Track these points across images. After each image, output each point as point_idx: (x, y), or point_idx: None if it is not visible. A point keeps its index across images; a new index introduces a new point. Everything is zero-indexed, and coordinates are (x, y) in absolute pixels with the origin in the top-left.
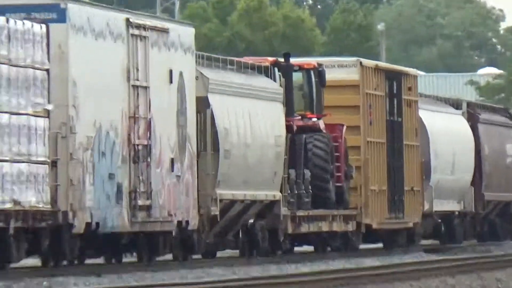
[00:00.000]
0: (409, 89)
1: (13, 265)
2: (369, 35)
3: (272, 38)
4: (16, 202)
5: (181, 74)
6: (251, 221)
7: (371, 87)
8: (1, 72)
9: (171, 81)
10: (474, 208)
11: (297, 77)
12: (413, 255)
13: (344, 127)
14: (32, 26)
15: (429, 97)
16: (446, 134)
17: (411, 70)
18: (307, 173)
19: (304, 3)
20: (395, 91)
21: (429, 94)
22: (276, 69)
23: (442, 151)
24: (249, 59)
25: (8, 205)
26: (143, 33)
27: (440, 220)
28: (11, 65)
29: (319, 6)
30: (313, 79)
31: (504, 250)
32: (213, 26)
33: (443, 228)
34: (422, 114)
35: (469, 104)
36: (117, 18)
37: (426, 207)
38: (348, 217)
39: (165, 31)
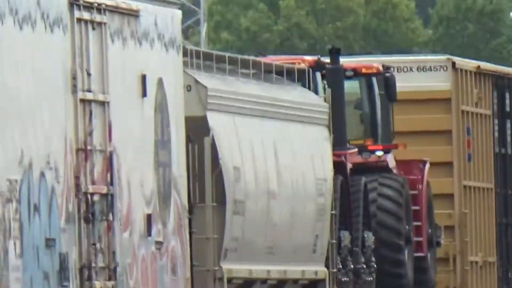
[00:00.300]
0: None
1: None
2: (498, 27)
3: (348, 32)
4: None
5: (160, 82)
6: None
7: (471, 102)
8: None
9: (144, 94)
10: None
11: (353, 87)
12: None
13: (427, 165)
14: None
15: None
16: None
17: None
18: (369, 236)
19: None
20: (509, 108)
21: None
22: (318, 75)
23: None
24: (277, 59)
25: None
26: (98, 17)
27: None
28: None
29: None
30: (377, 91)
31: None
32: (258, 16)
33: None
34: None
35: None
36: None
37: None
38: None
39: (133, 14)
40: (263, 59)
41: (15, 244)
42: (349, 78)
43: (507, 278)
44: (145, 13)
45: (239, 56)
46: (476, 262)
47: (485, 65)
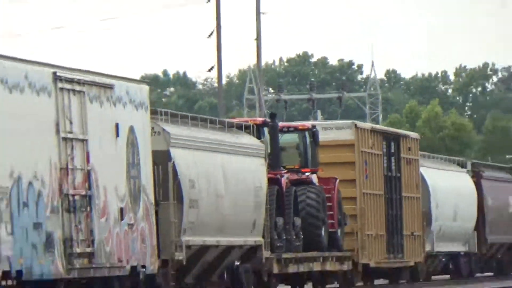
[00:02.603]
0: (409, 149)
1: None
2: None
3: (445, 138)
4: None
5: (131, 128)
6: (237, 263)
7: (367, 146)
8: None
9: (117, 135)
10: (477, 249)
11: (294, 136)
12: None
13: (337, 180)
14: None
15: (435, 157)
16: (448, 189)
17: (412, 134)
18: (297, 220)
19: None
20: (392, 150)
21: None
22: (265, 128)
23: (443, 202)
24: (243, 120)
25: None
26: (77, 87)
27: (445, 259)
28: None
29: (475, 116)
30: (308, 139)
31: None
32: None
33: (451, 266)
34: (424, 171)
35: (473, 163)
36: (40, 71)
37: (428, 248)
38: (342, 258)
39: (108, 87)
40: (229, 119)
41: (6, 226)
42: (291, 131)
43: (392, 244)
44: (119, 86)
45: (203, 116)
46: (371, 234)
47: (377, 126)
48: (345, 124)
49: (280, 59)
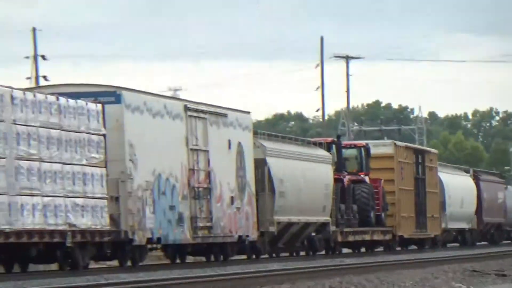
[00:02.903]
0: (431, 160)
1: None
2: None
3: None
4: (70, 225)
5: (239, 144)
6: (313, 234)
7: (402, 158)
8: (51, 135)
9: (229, 148)
10: (477, 226)
11: (353, 151)
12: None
13: (382, 180)
14: (87, 104)
15: (448, 166)
16: (457, 186)
17: (433, 150)
18: (354, 206)
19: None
20: (420, 160)
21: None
22: (333, 145)
23: (453, 196)
24: (319, 139)
25: (62, 227)
26: (201, 115)
27: (455, 233)
28: (61, 130)
29: (485, 141)
30: (363, 152)
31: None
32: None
33: (459, 238)
34: (440, 174)
35: (474, 170)
36: (175, 104)
37: (443, 226)
38: (385, 231)
39: (223, 115)
40: (312, 139)
41: (149, 208)
42: (352, 148)
43: (419, 221)
44: (231, 115)
45: (291, 136)
46: (405, 216)
47: (409, 145)
48: (387, 142)
49: (362, 104)
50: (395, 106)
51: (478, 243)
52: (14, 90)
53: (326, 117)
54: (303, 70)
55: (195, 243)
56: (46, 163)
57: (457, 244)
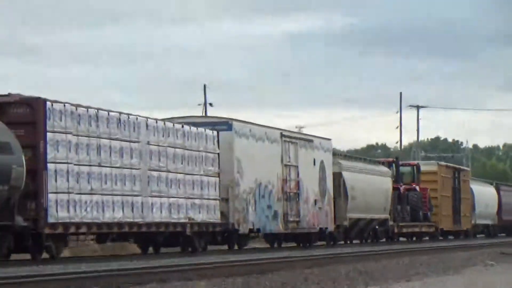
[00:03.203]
0: (464, 175)
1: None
2: None
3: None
4: (190, 218)
5: (322, 161)
6: (377, 227)
7: (444, 173)
8: (177, 152)
9: (314, 164)
10: (498, 222)
11: (408, 169)
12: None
13: (428, 189)
14: (205, 130)
15: (477, 180)
16: (483, 194)
17: (466, 168)
18: (408, 207)
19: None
20: (456, 175)
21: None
22: (393, 164)
23: (480, 201)
24: (382, 160)
25: (183, 220)
26: (293, 140)
27: (482, 227)
28: (185, 149)
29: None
30: (415, 169)
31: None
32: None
33: (485, 230)
34: (471, 185)
35: (496, 183)
36: (273, 131)
37: (473, 222)
38: (430, 225)
39: (310, 140)
40: (378, 159)
41: (252, 206)
42: (407, 166)
43: (455, 218)
44: (315, 141)
45: (362, 157)
46: (445, 215)
47: (449, 164)
48: (433, 162)
49: (427, 138)
50: (450, 139)
51: (499, 234)
52: (148, 119)
53: (402, 147)
54: (389, 115)
55: (286, 233)
56: (172, 173)
57: (483, 235)
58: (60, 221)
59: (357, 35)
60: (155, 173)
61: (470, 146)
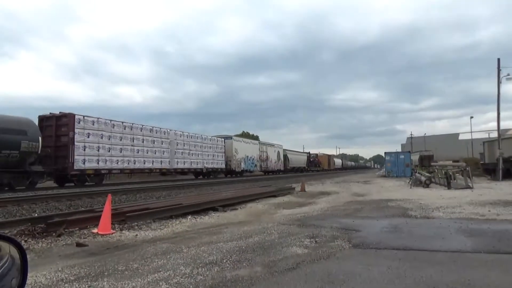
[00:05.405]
0: None
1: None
2: None
3: None
4: (205, 167)
5: (278, 152)
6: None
7: None
8: (197, 143)
9: (274, 152)
10: None
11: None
12: None
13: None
14: (217, 140)
15: None
16: None
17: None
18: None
19: None
20: None
21: None
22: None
23: None
24: None
25: (201, 166)
26: (268, 146)
27: None
28: (202, 143)
29: None
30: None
31: None
32: None
33: None
34: None
35: None
36: (252, 142)
37: None
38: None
39: (271, 145)
40: None
41: (243, 162)
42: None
43: None
44: (276, 146)
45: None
46: None
47: None
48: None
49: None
50: None
51: None
52: (176, 130)
53: None
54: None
55: (261, 170)
56: (192, 151)
57: None
58: (80, 167)
59: None
60: (180, 150)
61: None
